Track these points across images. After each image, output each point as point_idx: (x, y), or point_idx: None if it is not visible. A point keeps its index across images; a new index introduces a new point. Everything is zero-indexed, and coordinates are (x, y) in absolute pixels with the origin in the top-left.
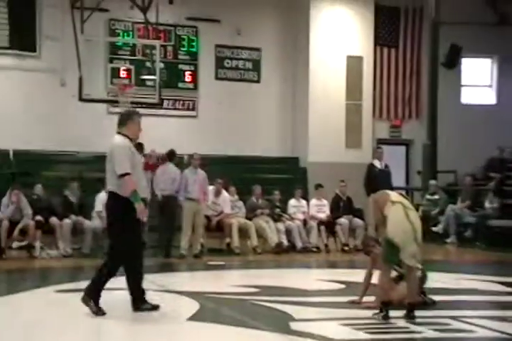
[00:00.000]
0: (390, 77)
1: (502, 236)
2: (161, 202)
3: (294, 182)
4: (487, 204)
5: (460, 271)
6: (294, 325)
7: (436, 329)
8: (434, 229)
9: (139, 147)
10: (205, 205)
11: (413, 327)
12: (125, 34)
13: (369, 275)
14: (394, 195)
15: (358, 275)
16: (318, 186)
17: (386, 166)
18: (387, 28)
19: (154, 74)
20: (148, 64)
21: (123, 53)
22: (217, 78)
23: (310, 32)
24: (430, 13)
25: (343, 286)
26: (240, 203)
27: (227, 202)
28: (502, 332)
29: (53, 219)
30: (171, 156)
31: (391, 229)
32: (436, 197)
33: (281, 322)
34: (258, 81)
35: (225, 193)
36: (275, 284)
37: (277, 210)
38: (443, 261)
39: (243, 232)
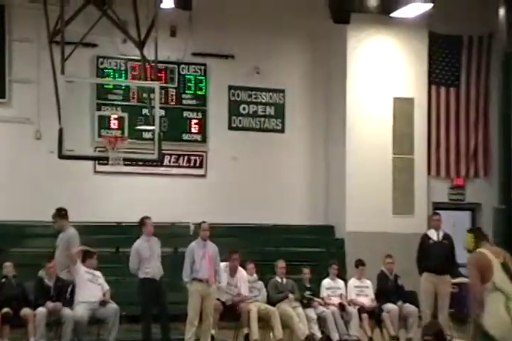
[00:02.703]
0: (449, 124)
1: None
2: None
3: (328, 257)
4: None
5: None
6: None
7: None
8: None
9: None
10: (217, 287)
11: None
12: (116, 74)
13: None
14: (496, 268)
15: None
16: (359, 263)
17: (445, 237)
18: (444, 62)
19: (153, 124)
20: (145, 111)
21: (114, 98)
22: (230, 128)
23: (347, 68)
24: (502, 42)
25: None
26: (260, 284)
27: (245, 282)
28: None
29: (25, 310)
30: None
31: (488, 318)
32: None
33: None
34: (282, 130)
35: (241, 271)
36: None
37: (307, 293)
38: None
39: (264, 321)
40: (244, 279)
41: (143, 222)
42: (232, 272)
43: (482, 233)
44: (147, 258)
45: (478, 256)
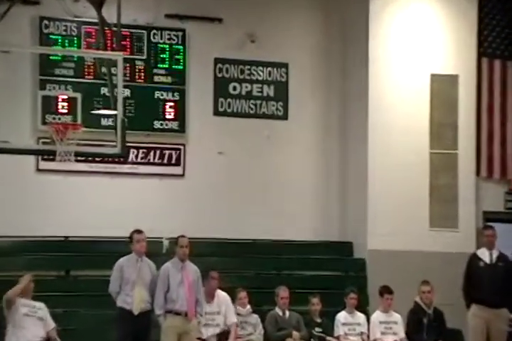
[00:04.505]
0: (505, 109)
1: None
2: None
3: (344, 283)
4: None
5: None
6: None
7: None
8: None
9: None
10: (197, 322)
11: None
12: (66, 42)
13: None
14: None
15: None
16: (386, 290)
17: (501, 258)
18: (500, 27)
19: (114, 108)
20: (104, 91)
21: (63, 73)
22: (217, 113)
23: (369, 38)
24: None
25: None
26: (255, 318)
27: (229, 306)
28: None
29: None
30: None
31: None
32: None
33: None
34: (284, 117)
35: (222, 293)
36: None
37: (317, 330)
38: None
39: None
40: (228, 302)
41: (132, 237)
42: (209, 296)
43: None
44: (131, 283)
45: None
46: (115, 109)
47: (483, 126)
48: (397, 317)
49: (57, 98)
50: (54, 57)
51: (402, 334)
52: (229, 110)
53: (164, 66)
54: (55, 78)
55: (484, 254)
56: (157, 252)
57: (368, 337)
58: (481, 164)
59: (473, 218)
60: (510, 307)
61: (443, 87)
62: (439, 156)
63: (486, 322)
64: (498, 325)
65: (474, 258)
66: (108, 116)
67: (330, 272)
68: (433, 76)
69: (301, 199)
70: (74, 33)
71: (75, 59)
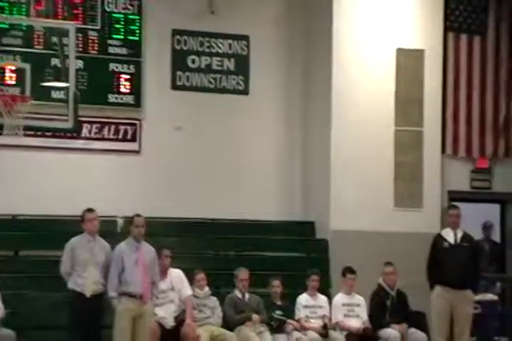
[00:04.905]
0: (471, 85)
1: None
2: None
3: (306, 264)
4: None
5: None
6: None
7: None
8: None
9: None
10: (153, 305)
11: None
12: (14, 9)
13: None
14: None
15: None
16: (348, 271)
17: (466, 239)
18: (466, 3)
19: (66, 81)
20: (55, 62)
21: (10, 43)
22: (174, 87)
23: (333, 11)
24: None
25: None
26: (214, 301)
27: (183, 281)
28: None
29: None
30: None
31: None
32: None
33: None
34: (245, 92)
35: (174, 271)
36: None
37: (277, 313)
38: None
39: None
40: (182, 278)
41: (83, 216)
42: (162, 274)
43: None
44: (83, 264)
45: None
46: (67, 82)
47: (449, 102)
48: (359, 299)
49: (4, 68)
50: (1, 25)
51: (364, 316)
52: (187, 84)
53: (119, 37)
54: (2, 48)
55: (449, 234)
56: (111, 232)
57: (330, 319)
58: (446, 142)
59: (438, 197)
60: (475, 288)
61: (409, 62)
62: (404, 133)
63: (450, 304)
64: (463, 307)
65: (439, 238)
66: (59, 89)
67: (291, 253)
68: (399, 50)
69: (262, 178)
70: (22, 0)
71: (24, 27)
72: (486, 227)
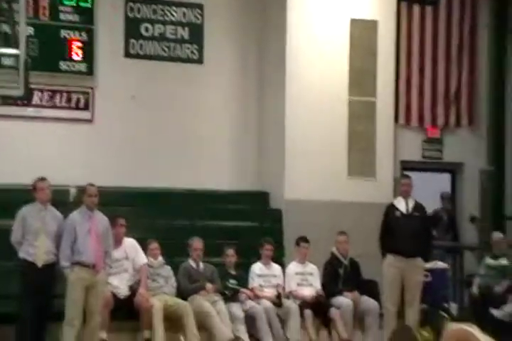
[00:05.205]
0: (423, 55)
1: None
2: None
3: (260, 234)
4: None
5: None
6: None
7: None
8: (497, 315)
9: None
10: (107, 275)
11: None
12: None
13: None
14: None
15: None
16: (302, 240)
17: (417, 208)
18: None
19: (16, 47)
20: (4, 28)
21: None
22: (128, 55)
23: None
24: None
25: None
26: (167, 270)
27: (137, 250)
28: None
29: None
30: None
31: None
32: (503, 261)
33: None
34: (199, 61)
35: (128, 240)
36: None
37: (231, 282)
38: None
39: (173, 321)
40: (136, 247)
41: (35, 185)
42: (116, 243)
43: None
44: (34, 233)
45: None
46: (17, 48)
47: (402, 73)
48: (313, 268)
49: None
50: None
51: (317, 285)
52: (141, 52)
53: (71, 3)
54: None
55: (400, 204)
56: (63, 201)
57: (284, 289)
58: (399, 112)
59: (390, 167)
60: (425, 257)
61: (362, 33)
62: (357, 104)
63: (401, 272)
64: (413, 275)
65: (391, 208)
66: (9, 56)
67: (245, 223)
68: (353, 21)
69: (215, 147)
70: None
71: None
72: (444, 197)
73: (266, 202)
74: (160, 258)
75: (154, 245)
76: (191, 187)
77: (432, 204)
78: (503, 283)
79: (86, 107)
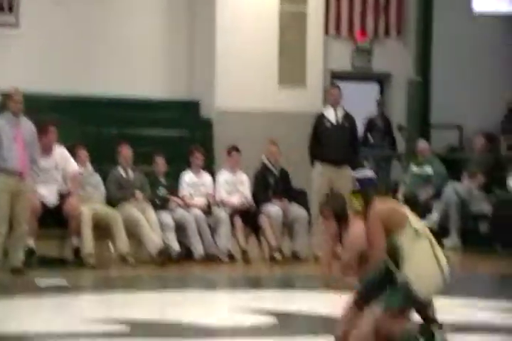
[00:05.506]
0: None
1: None
2: None
3: (190, 142)
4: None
5: (466, 294)
6: None
7: None
8: (424, 222)
9: None
10: (33, 182)
11: None
12: None
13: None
14: (414, 219)
15: (295, 301)
16: (233, 149)
17: (346, 118)
18: None
19: None
20: None
21: None
22: None
23: None
24: None
25: (271, 320)
26: (96, 178)
27: (68, 159)
28: None
29: None
30: None
31: (414, 273)
32: (427, 169)
33: None
34: None
35: (58, 148)
36: (157, 317)
37: (161, 190)
38: None
39: (102, 229)
40: (66, 156)
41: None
42: (46, 151)
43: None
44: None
45: (385, 207)
46: None
47: None
48: (243, 177)
49: None
50: None
51: (247, 193)
52: None
53: None
54: None
55: (330, 113)
56: None
57: (213, 197)
58: (329, 22)
59: (320, 77)
60: (353, 166)
61: None
62: (288, 14)
63: (329, 181)
64: (341, 183)
65: (321, 117)
66: None
67: (175, 131)
68: None
69: (145, 54)
70: None
71: None
72: (379, 104)
73: (197, 112)
74: (89, 166)
75: (82, 152)
76: (121, 95)
77: (361, 114)
78: (428, 190)
79: (10, 10)
